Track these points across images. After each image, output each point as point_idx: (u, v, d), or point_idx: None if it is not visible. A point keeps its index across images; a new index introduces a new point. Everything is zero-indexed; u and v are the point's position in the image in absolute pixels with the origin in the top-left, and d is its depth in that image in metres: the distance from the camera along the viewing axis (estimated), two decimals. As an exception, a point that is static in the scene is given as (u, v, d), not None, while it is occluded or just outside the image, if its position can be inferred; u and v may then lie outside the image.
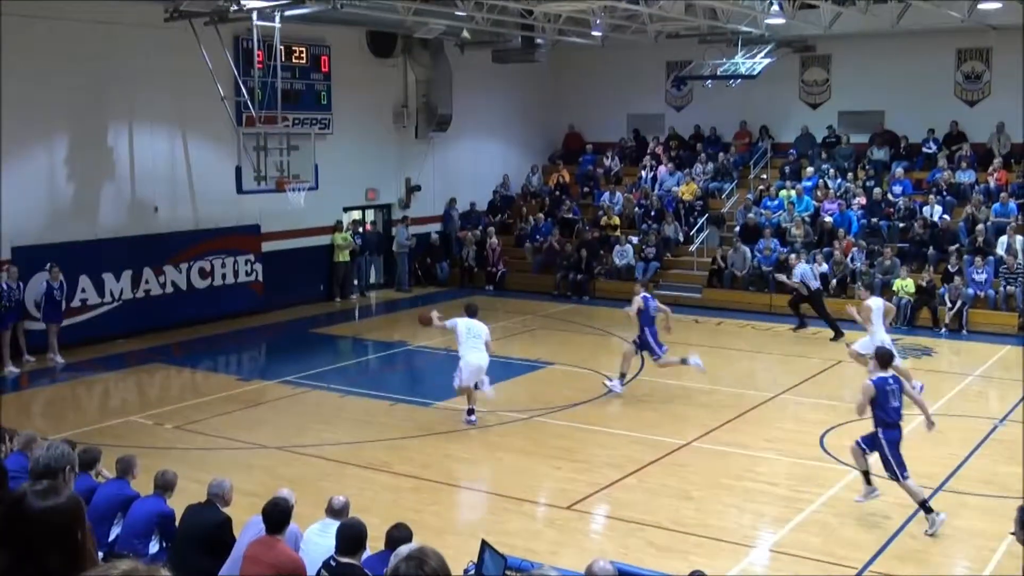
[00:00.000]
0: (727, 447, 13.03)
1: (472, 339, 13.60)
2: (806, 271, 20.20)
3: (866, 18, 21.36)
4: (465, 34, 23.16)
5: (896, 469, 10.17)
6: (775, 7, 20.89)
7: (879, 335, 14.50)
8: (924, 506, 10.16)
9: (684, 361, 15.38)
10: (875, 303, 15.12)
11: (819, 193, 24.63)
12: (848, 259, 22.14)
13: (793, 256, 21.24)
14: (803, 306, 20.38)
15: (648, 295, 15.58)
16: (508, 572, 7.11)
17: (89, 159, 19.28)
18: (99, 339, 18.97)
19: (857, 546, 9.79)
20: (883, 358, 10.73)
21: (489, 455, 12.88)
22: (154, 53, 19.50)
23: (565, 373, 16.71)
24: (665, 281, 24.34)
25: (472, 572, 7.38)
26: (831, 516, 10.65)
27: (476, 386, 13.79)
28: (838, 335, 19.18)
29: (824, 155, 26.12)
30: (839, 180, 25.02)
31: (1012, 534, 6.58)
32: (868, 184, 24.50)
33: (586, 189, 28.34)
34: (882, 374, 10.42)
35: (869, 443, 10.41)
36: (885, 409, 10.19)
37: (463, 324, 13.74)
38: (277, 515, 7.34)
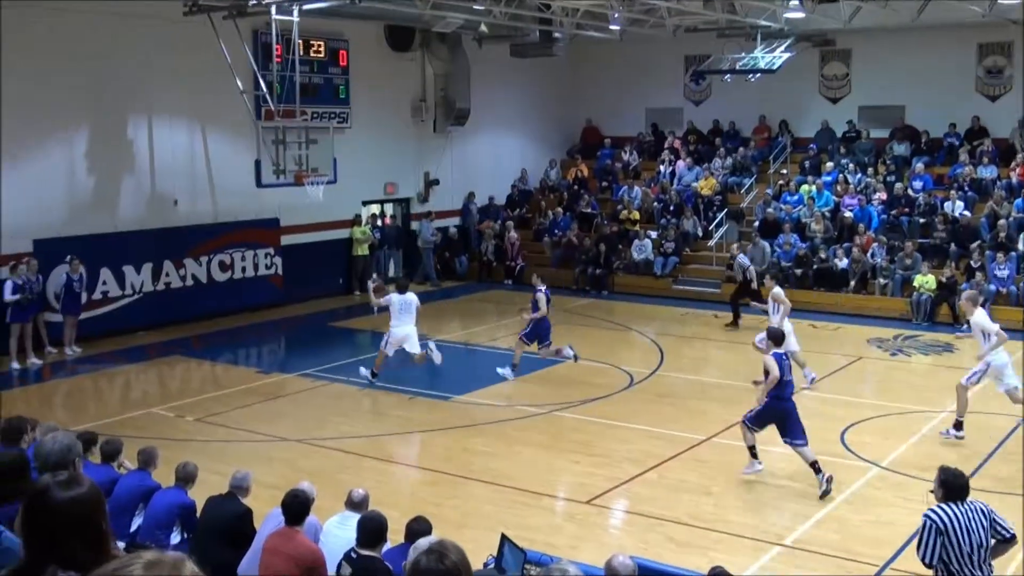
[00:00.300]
0: (746, 442, 12.96)
1: (404, 314, 15.57)
2: (746, 260, 20.80)
3: (886, 12, 21.23)
4: (483, 28, 23.13)
5: (754, 425, 11.44)
6: (794, 1, 20.77)
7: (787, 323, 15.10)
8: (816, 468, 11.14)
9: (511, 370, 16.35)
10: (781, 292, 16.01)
11: (839, 188, 24.51)
12: (868, 255, 22.03)
13: (736, 246, 22.18)
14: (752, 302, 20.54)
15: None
16: (527, 566, 7.11)
17: (109, 153, 19.36)
18: (120, 331, 19.09)
19: (877, 543, 9.75)
20: (775, 337, 11.62)
21: (508, 449, 12.87)
22: (173, 47, 19.59)
23: (583, 368, 16.68)
24: (684, 276, 24.30)
25: (492, 566, 7.38)
26: (851, 513, 10.61)
27: (429, 355, 15.88)
28: (735, 324, 20.17)
29: (844, 150, 25.99)
30: (859, 175, 24.89)
31: (931, 492, 7.00)
32: (889, 179, 24.36)
33: (604, 183, 28.29)
34: (776, 351, 11.41)
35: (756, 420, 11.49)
36: (779, 382, 11.19)
37: (397, 300, 15.62)
38: (296, 507, 7.36)
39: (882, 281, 21.67)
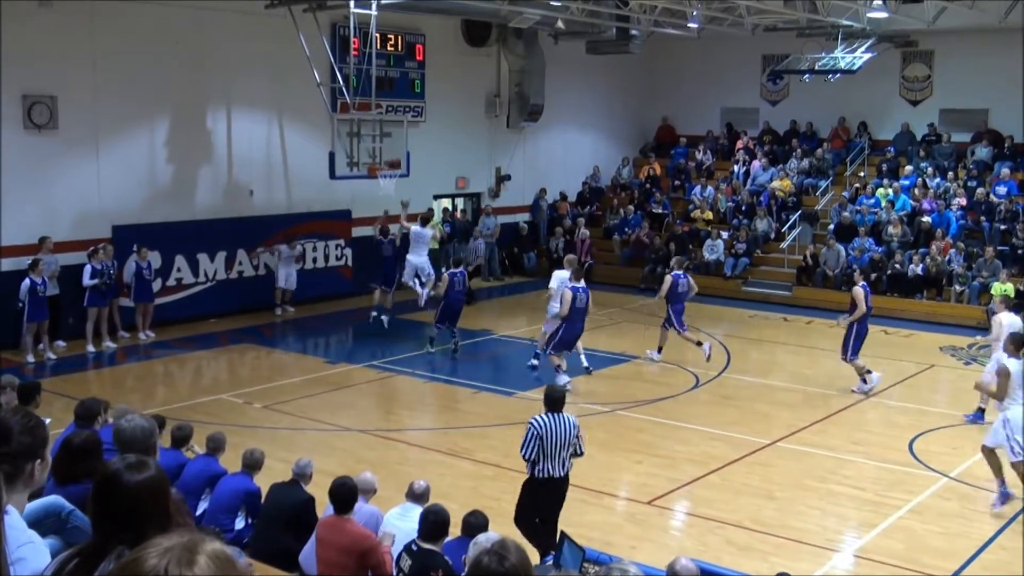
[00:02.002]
0: (813, 448, 12.83)
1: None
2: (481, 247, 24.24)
3: (973, 13, 20.72)
4: (560, 24, 23.08)
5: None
6: (878, 1, 20.40)
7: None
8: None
9: None
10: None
11: (917, 192, 24.04)
12: (945, 260, 21.59)
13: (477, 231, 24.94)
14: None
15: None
16: (586, 564, 7.11)
17: (188, 142, 19.72)
18: (192, 318, 19.44)
19: (943, 554, 9.56)
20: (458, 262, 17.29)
21: (570, 447, 12.84)
22: (254, 39, 19.90)
23: (649, 367, 16.61)
24: (754, 278, 24.05)
25: (551, 563, 7.40)
26: (918, 523, 10.41)
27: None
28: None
29: (923, 153, 25.48)
30: (938, 179, 24.39)
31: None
32: (969, 184, 23.83)
33: (677, 182, 28.09)
34: (453, 270, 17.19)
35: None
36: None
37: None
38: (344, 494, 7.43)
39: (958, 288, 21.21)
